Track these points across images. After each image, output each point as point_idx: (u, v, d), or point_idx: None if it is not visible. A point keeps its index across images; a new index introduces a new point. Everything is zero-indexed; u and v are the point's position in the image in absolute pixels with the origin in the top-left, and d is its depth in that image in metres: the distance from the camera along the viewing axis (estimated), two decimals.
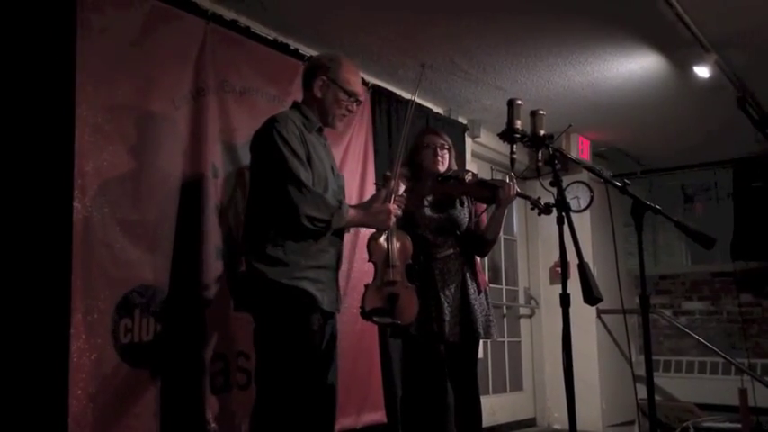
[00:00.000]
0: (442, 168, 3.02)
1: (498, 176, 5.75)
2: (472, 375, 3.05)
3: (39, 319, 2.40)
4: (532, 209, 2.81)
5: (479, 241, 3.01)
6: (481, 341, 3.09)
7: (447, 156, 3.05)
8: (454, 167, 3.11)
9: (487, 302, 3.03)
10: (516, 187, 2.87)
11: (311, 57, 2.66)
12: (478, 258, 3.13)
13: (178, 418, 2.72)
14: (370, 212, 2.50)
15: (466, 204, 3.04)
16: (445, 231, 2.97)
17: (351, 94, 2.50)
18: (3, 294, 2.35)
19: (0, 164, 2.40)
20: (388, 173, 2.68)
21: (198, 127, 2.96)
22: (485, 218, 3.02)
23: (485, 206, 3.02)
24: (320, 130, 2.52)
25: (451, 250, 2.95)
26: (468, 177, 2.94)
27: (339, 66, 2.49)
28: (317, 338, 2.35)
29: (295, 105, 2.53)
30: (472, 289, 2.95)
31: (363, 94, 2.56)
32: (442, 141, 3.04)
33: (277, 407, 2.27)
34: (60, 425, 2.36)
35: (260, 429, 2.30)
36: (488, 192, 2.89)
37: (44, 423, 2.37)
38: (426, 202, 3.00)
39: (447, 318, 2.86)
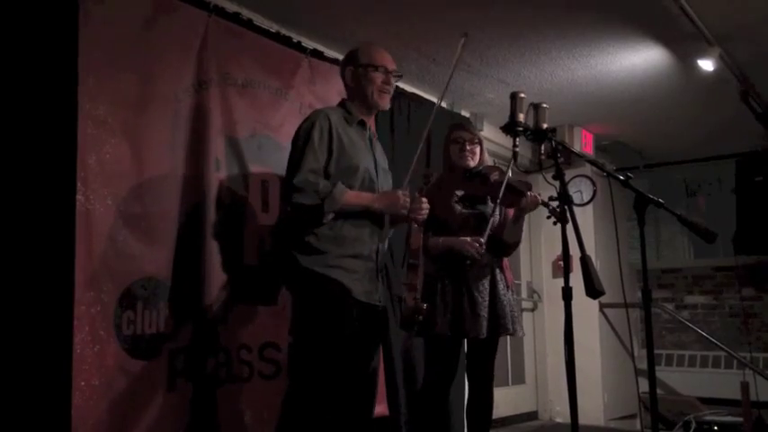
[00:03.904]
0: (472, 163, 3.00)
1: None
2: (490, 369, 3.07)
3: (42, 311, 2.41)
4: (548, 217, 2.77)
5: (499, 243, 3.01)
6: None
7: (478, 150, 3.04)
8: (487, 161, 3.08)
9: (515, 299, 3.04)
10: (540, 196, 2.84)
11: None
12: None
13: (181, 410, 2.72)
14: (379, 195, 2.48)
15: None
16: (475, 228, 2.95)
17: (378, 67, 2.55)
18: (6, 287, 2.35)
19: (4, 157, 2.40)
20: (429, 171, 2.72)
21: (200, 120, 2.96)
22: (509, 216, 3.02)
23: (512, 211, 2.98)
24: (362, 124, 2.58)
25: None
26: (495, 177, 2.89)
27: (360, 50, 2.60)
28: (349, 328, 2.37)
29: (340, 103, 2.65)
30: (502, 285, 2.96)
31: (394, 66, 2.62)
32: (471, 136, 3.02)
33: (307, 395, 2.31)
34: (64, 416, 2.36)
35: (289, 416, 2.33)
36: (512, 196, 2.85)
37: (48, 415, 2.38)
38: (456, 198, 3.00)
39: (482, 313, 2.87)
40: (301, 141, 2.41)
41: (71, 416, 2.37)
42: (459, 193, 2.99)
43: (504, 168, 2.93)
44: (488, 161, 3.13)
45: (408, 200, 2.47)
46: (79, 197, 2.49)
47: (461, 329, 2.88)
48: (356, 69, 2.57)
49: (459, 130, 3.09)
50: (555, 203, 2.64)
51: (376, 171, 2.55)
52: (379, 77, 2.55)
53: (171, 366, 2.72)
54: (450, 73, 2.62)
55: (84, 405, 2.42)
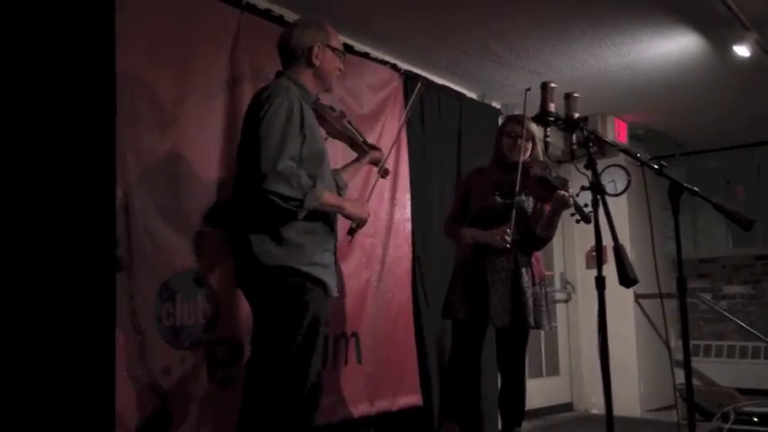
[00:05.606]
0: (522, 158, 3.02)
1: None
2: (520, 361, 3.10)
3: (85, 303, 2.48)
4: (572, 215, 2.78)
5: (531, 236, 3.03)
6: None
7: (530, 146, 3.04)
8: (539, 156, 3.10)
9: (544, 293, 3.04)
10: (572, 193, 2.85)
11: (292, 24, 2.53)
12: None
13: (223, 400, 2.78)
14: (350, 200, 2.47)
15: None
16: (503, 218, 2.97)
17: (341, 54, 2.49)
18: (52, 281, 2.43)
19: (45, 154, 2.47)
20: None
21: (234, 115, 3.00)
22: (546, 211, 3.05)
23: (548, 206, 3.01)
24: (315, 103, 2.49)
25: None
26: (536, 171, 2.92)
27: (325, 29, 2.44)
28: (322, 329, 2.31)
29: (287, 76, 2.40)
30: (526, 278, 2.97)
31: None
32: (525, 131, 3.02)
33: (282, 406, 2.23)
34: (108, 406, 2.44)
35: (256, 425, 2.24)
36: (545, 191, 2.88)
37: (93, 404, 2.45)
38: (494, 189, 3.03)
39: (494, 302, 2.91)
40: (279, 122, 2.17)
41: (115, 405, 2.44)
42: (499, 187, 3.02)
43: (550, 164, 2.94)
44: (540, 156, 3.12)
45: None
46: (118, 192, 2.56)
47: (476, 316, 2.95)
48: (325, 50, 2.40)
49: (513, 123, 3.10)
50: (581, 202, 2.66)
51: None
52: (338, 63, 2.47)
53: (211, 357, 2.79)
54: (404, 115, 2.61)
55: (128, 395, 2.49)
